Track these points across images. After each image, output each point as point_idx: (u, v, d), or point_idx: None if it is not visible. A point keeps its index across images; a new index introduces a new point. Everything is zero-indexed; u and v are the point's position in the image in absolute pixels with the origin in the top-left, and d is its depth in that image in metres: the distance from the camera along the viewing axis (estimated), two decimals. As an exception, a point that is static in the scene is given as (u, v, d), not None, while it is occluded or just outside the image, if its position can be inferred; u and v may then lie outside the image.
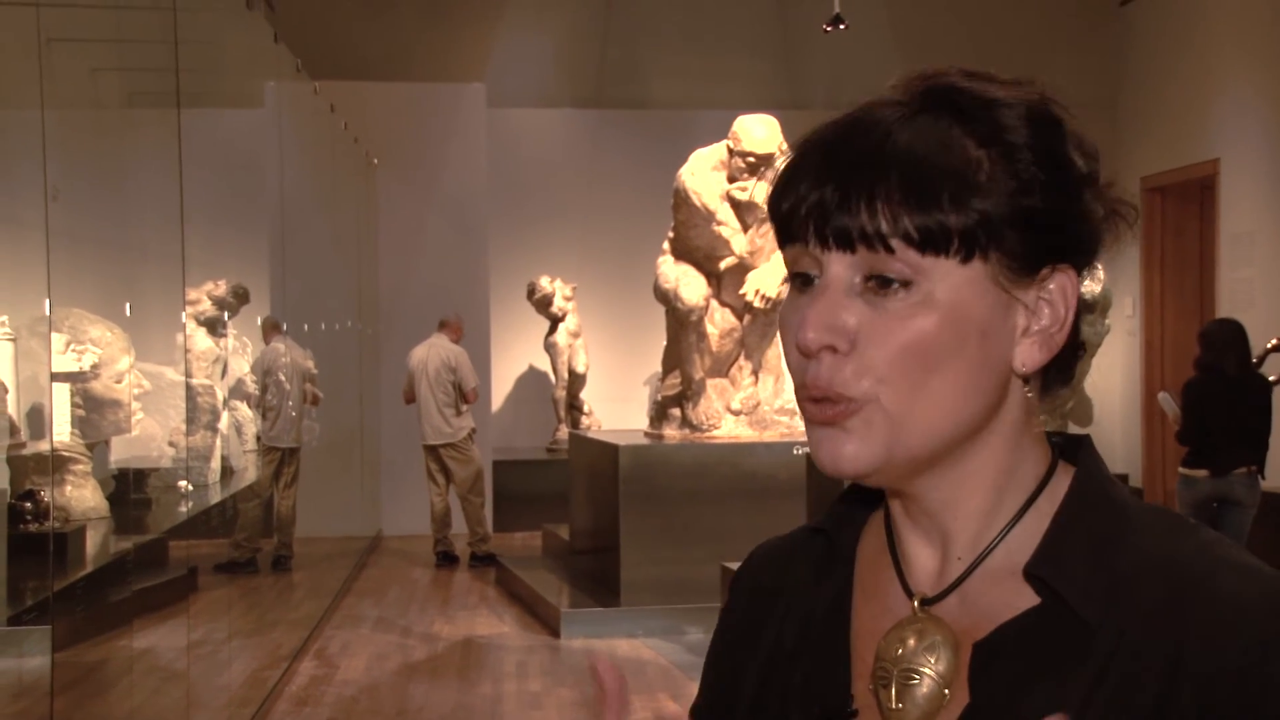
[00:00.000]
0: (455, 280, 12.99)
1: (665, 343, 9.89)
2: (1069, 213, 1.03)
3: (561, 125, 14.10)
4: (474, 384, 11.40)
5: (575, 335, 13.38)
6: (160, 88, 6.92)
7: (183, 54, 6.28)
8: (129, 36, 7.03)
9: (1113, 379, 12.81)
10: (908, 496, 1.09)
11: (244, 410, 10.12)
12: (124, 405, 6.82)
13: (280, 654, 8.16)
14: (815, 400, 1.03)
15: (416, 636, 8.91)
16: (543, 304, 13.27)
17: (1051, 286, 1.03)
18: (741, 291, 9.25)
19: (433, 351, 11.35)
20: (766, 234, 8.68)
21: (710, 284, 9.36)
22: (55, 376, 6.12)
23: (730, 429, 9.49)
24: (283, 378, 9.97)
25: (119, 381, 6.69)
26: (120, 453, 7.62)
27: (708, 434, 9.43)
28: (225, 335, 9.55)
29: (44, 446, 6.24)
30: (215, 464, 9.22)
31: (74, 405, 6.59)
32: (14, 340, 6.05)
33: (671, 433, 9.59)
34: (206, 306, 9.19)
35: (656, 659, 8.13)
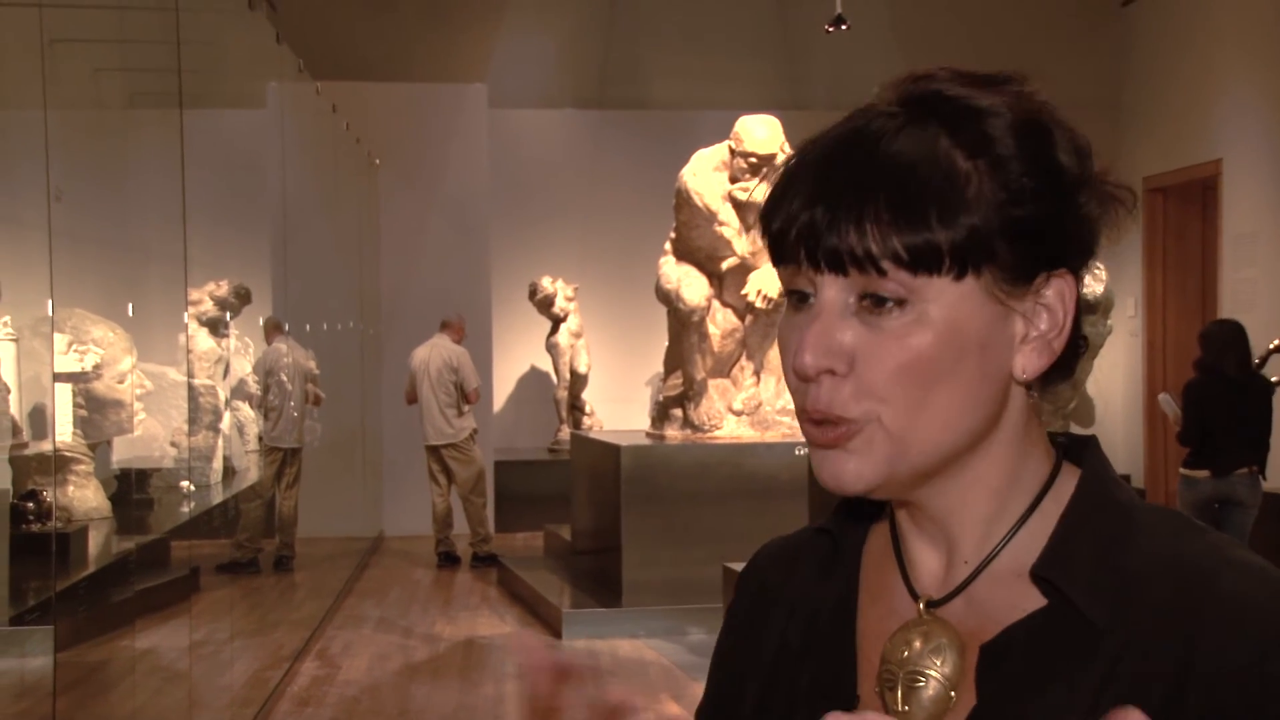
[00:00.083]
0: (457, 280, 12.99)
1: (667, 343, 9.89)
2: (1062, 219, 1.02)
3: (563, 126, 14.10)
4: (476, 384, 11.40)
5: (577, 336, 13.38)
6: (162, 88, 6.92)
7: (185, 54, 6.28)
8: (131, 37, 7.04)
9: (1115, 379, 12.81)
10: (912, 504, 1.08)
11: (246, 410, 10.13)
12: (126, 405, 6.82)
13: (282, 654, 8.16)
14: (816, 423, 1.03)
15: (418, 637, 8.91)
16: (544, 304, 13.27)
17: (1049, 293, 1.03)
18: (743, 292, 9.26)
19: (434, 352, 11.35)
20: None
21: (712, 284, 9.36)
22: (57, 377, 6.12)
23: (732, 429, 9.49)
24: (284, 378, 9.97)
25: (121, 382, 6.69)
26: (122, 453, 7.62)
27: (709, 434, 9.43)
28: (227, 335, 9.56)
29: (46, 447, 6.24)
30: (217, 464, 9.23)
31: (76, 405, 6.59)
32: (16, 340, 6.05)
33: (673, 433, 9.59)
34: (208, 307, 9.20)
35: (659, 659, 8.13)
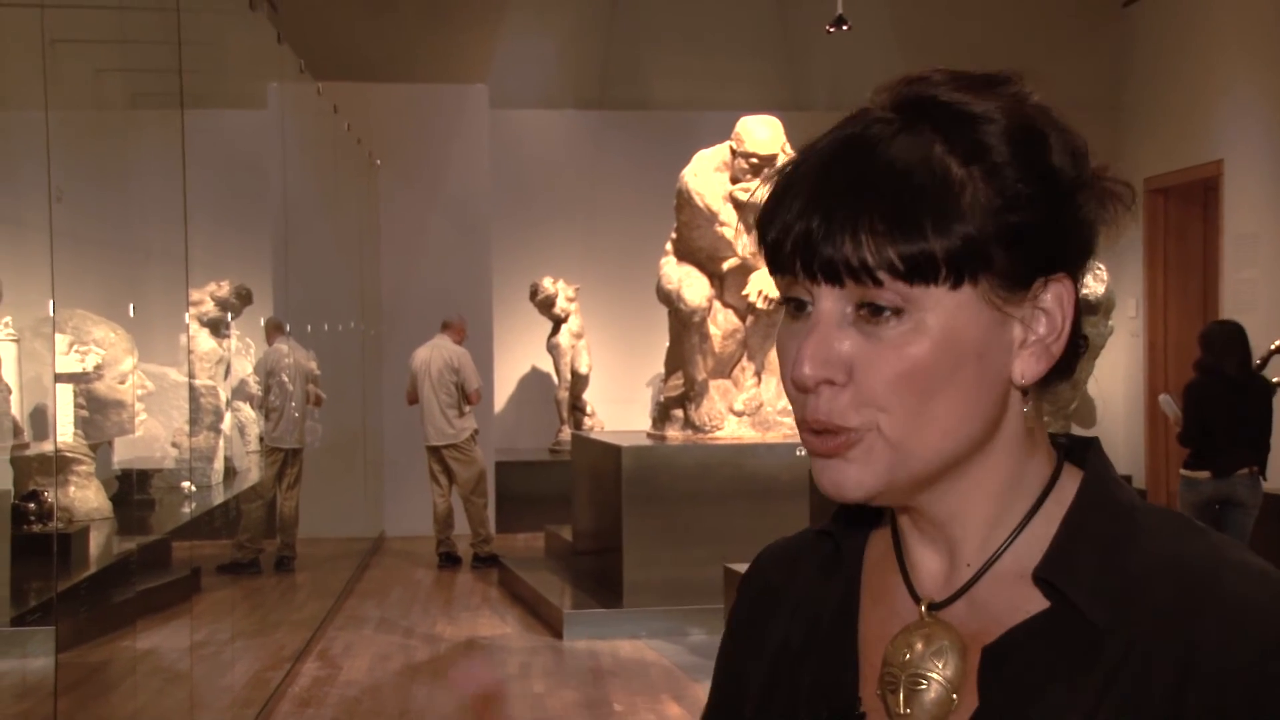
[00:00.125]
0: (458, 281, 12.99)
1: (668, 344, 9.89)
2: (1058, 224, 1.02)
3: (564, 126, 14.10)
4: (477, 385, 11.40)
5: (578, 336, 13.38)
6: (164, 89, 6.92)
7: (186, 55, 6.28)
8: (133, 37, 7.03)
9: (1116, 380, 12.81)
10: (913, 509, 1.08)
11: (247, 411, 10.13)
12: (127, 406, 6.82)
13: (283, 655, 8.17)
14: (816, 432, 1.03)
15: (419, 637, 8.91)
16: (545, 305, 13.27)
17: (1047, 298, 1.03)
18: (744, 292, 9.26)
19: (435, 352, 11.35)
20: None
21: (713, 285, 9.37)
22: (59, 377, 6.12)
23: (733, 430, 9.49)
24: (285, 378, 9.97)
25: (122, 382, 6.69)
26: (123, 453, 7.63)
27: (710, 435, 9.43)
28: (228, 336, 9.56)
29: (47, 447, 6.25)
30: (218, 465, 9.22)
31: (77, 406, 6.59)
32: (17, 341, 6.05)
33: (674, 434, 9.59)
34: (209, 307, 9.19)
35: (659, 660, 8.13)
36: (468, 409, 11.38)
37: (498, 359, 13.58)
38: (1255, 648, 0.96)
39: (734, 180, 9.08)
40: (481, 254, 13.28)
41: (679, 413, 9.65)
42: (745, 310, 9.42)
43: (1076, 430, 9.85)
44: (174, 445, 8.22)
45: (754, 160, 8.90)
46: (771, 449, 9.14)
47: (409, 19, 12.73)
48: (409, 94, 13.10)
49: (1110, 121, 12.71)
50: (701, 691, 7.32)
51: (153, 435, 7.85)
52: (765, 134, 8.98)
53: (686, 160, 9.36)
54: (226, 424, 9.52)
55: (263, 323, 10.21)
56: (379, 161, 12.98)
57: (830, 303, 1.01)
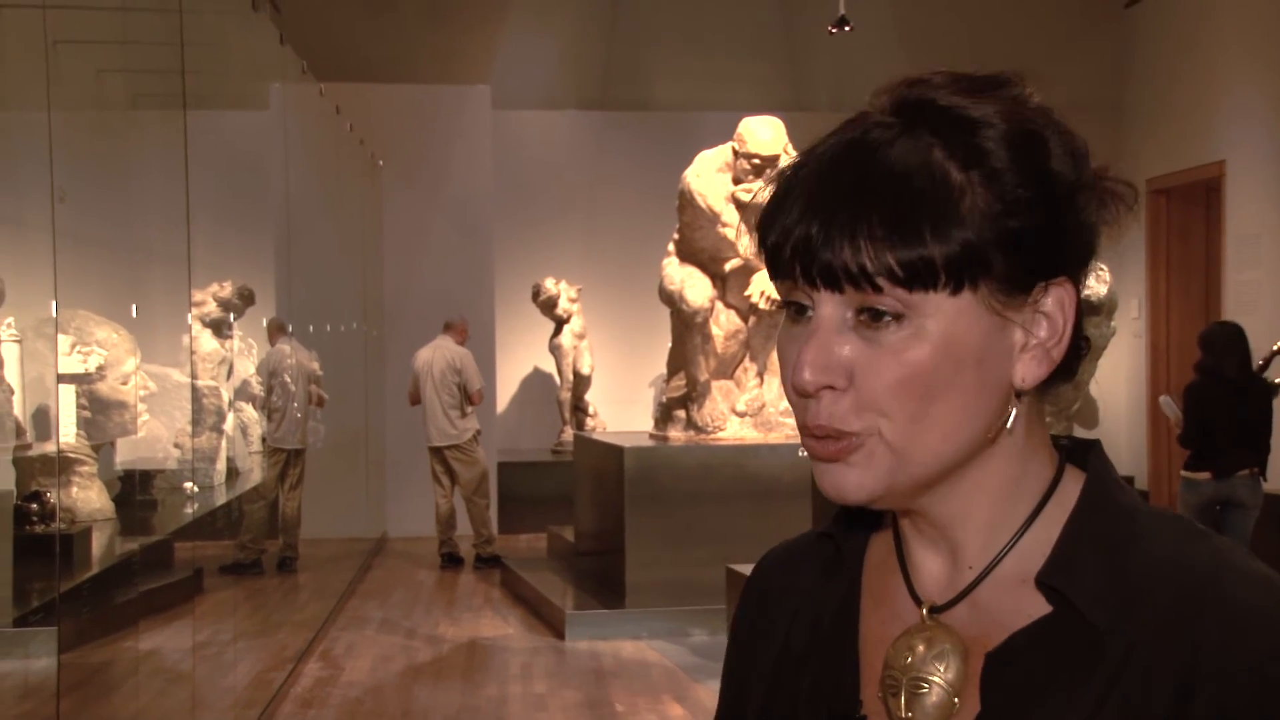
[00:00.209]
0: (460, 282, 13.00)
1: (670, 344, 9.89)
2: (1058, 228, 1.01)
3: (566, 127, 14.10)
4: (479, 386, 11.40)
5: (580, 337, 13.38)
6: (166, 89, 6.93)
7: (188, 56, 6.28)
8: (135, 38, 7.04)
9: (1118, 381, 12.80)
10: (914, 511, 1.08)
11: (249, 412, 10.13)
12: (129, 407, 6.82)
13: (285, 655, 8.17)
14: (817, 437, 1.03)
15: (421, 638, 8.91)
16: (547, 306, 13.27)
17: (1047, 301, 1.02)
18: (746, 293, 9.26)
19: (438, 353, 11.35)
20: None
21: (715, 285, 9.37)
22: (61, 378, 6.12)
23: (735, 431, 9.49)
24: (288, 379, 9.98)
25: (125, 383, 6.69)
26: (126, 454, 7.63)
27: (712, 436, 9.43)
28: (230, 337, 9.56)
29: (50, 448, 6.25)
30: (220, 465, 9.23)
31: (80, 407, 6.59)
32: (20, 342, 6.06)
33: (676, 434, 9.59)
34: (212, 308, 9.20)
35: (661, 661, 8.13)
36: (470, 410, 11.38)
37: (500, 360, 13.58)
38: (1257, 653, 0.96)
39: (736, 181, 9.08)
40: (484, 254, 13.29)
41: (681, 413, 9.65)
42: (747, 311, 9.42)
43: (1079, 431, 9.85)
44: (176, 446, 8.22)
45: (756, 161, 8.89)
46: (774, 450, 9.14)
47: (411, 20, 12.73)
48: (411, 95, 13.10)
49: (1112, 122, 12.70)
50: (703, 692, 7.32)
51: (155, 436, 7.86)
52: (767, 135, 8.98)
53: (689, 161, 9.36)
54: (229, 425, 9.52)
55: (265, 323, 10.22)
56: (381, 162, 12.99)
57: (830, 308, 1.01)
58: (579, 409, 13.62)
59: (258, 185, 10.20)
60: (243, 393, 10.02)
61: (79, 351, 6.39)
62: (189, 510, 8.03)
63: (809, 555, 1.21)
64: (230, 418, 9.58)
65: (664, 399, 10.01)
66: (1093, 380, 11.05)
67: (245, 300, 9.56)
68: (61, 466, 6.43)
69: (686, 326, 9.42)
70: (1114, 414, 12.93)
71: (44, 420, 6.22)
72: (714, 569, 7.66)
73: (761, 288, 9.12)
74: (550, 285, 13.22)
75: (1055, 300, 1.03)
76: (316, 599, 9.95)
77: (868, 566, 1.16)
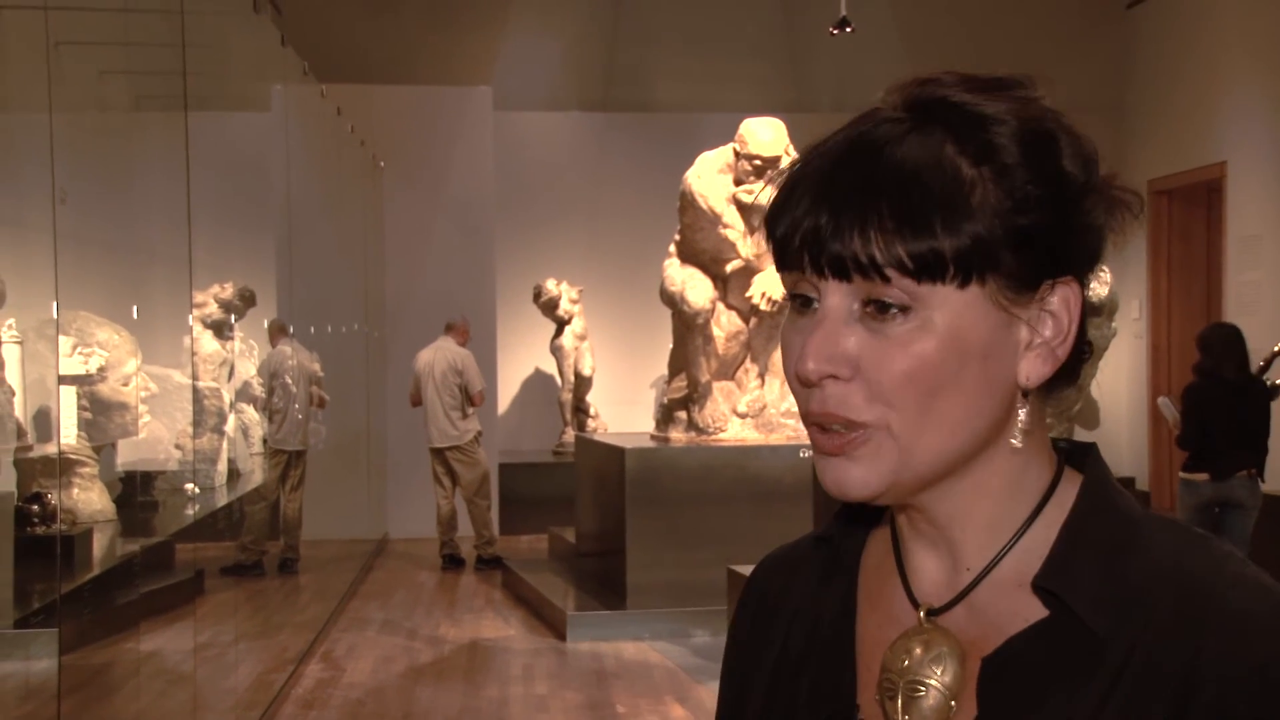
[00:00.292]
0: (461, 283, 13.00)
1: (671, 345, 9.89)
2: (1066, 227, 1.01)
3: (568, 128, 14.10)
4: (480, 387, 11.40)
5: (581, 338, 13.38)
6: (168, 91, 6.93)
7: (190, 57, 6.28)
8: (137, 40, 7.04)
9: (1119, 382, 12.80)
10: (914, 509, 1.08)
11: (250, 413, 10.13)
12: (131, 408, 6.82)
13: (286, 657, 8.17)
14: (823, 429, 1.03)
15: (422, 639, 8.91)
16: (549, 307, 13.27)
17: (1053, 300, 1.02)
18: (748, 294, 9.26)
19: (439, 354, 11.35)
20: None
21: (716, 287, 9.36)
22: (62, 379, 6.12)
23: (736, 432, 9.49)
24: (289, 380, 9.98)
25: (126, 384, 6.69)
26: (127, 455, 7.62)
27: (714, 437, 9.43)
28: (232, 338, 9.55)
29: (51, 449, 6.25)
30: (222, 467, 9.22)
31: (81, 408, 6.59)
32: (21, 343, 6.05)
33: (677, 436, 9.59)
34: (213, 309, 9.19)
35: (663, 662, 8.13)
36: (471, 411, 11.38)
37: (501, 361, 13.58)
38: (1257, 658, 0.96)
39: (737, 182, 9.08)
40: (485, 256, 13.28)
41: (682, 414, 9.65)
42: (749, 312, 9.42)
43: (1080, 432, 9.85)
44: (177, 447, 8.22)
45: (757, 162, 8.90)
46: (775, 451, 9.14)
47: (413, 21, 12.73)
48: (413, 96, 13.10)
49: (1114, 123, 12.70)
50: (705, 693, 7.32)
51: (156, 437, 7.85)
52: (768, 136, 8.98)
53: (690, 162, 9.37)
54: (230, 426, 9.51)
55: (266, 324, 10.22)
56: (383, 163, 12.99)
57: (837, 299, 1.01)
58: (580, 410, 13.62)
59: (259, 187, 10.20)
60: (244, 394, 10.02)
61: (80, 353, 6.39)
62: (190, 512, 8.03)
63: (806, 559, 1.21)
64: (231, 419, 9.58)
65: (665, 400, 10.01)
66: (1094, 381, 11.05)
67: (246, 301, 9.56)
68: (62, 468, 6.42)
69: (688, 328, 9.42)
70: (1115, 415, 12.93)
71: (45, 421, 6.22)
72: (715, 570, 7.66)
73: (763, 289, 9.12)
74: (551, 286, 13.22)
75: (1061, 299, 1.03)
76: (318, 600, 9.95)
77: (865, 569, 1.16)
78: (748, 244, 9.08)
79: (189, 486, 7.98)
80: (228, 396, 9.45)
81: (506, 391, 14.13)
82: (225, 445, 9.33)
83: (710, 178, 9.17)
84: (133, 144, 7.54)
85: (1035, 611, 1.03)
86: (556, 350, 13.45)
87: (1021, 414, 1.05)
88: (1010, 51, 11.92)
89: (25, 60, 5.29)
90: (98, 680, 6.18)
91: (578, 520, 10.58)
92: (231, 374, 9.67)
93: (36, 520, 5.92)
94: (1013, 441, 1.05)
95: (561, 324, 13.35)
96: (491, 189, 13.36)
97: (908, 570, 1.11)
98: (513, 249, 13.67)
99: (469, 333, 11.61)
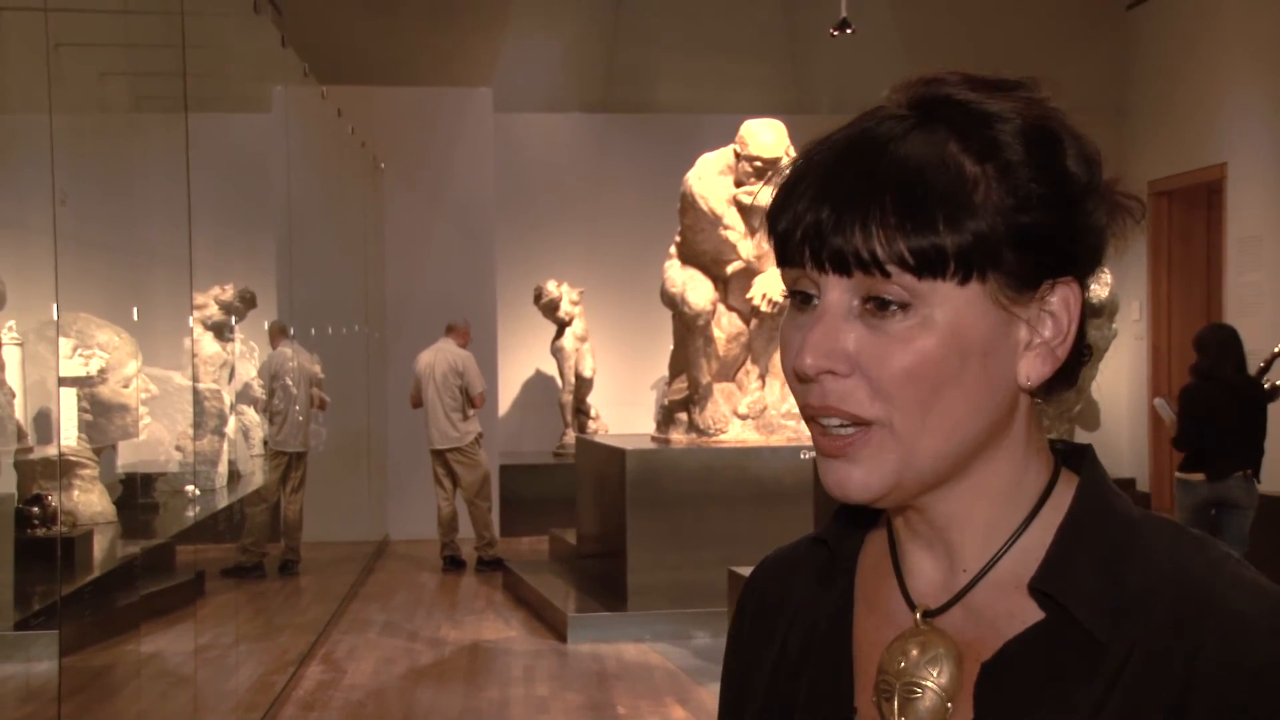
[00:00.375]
0: (462, 284, 13.00)
1: (672, 347, 9.89)
2: (1068, 227, 1.01)
3: (568, 130, 14.11)
4: (481, 388, 11.40)
5: (582, 339, 13.38)
6: (168, 92, 6.93)
7: (191, 58, 6.28)
8: (137, 41, 7.04)
9: (1119, 383, 12.80)
10: (912, 510, 1.08)
11: (251, 415, 10.13)
12: (131, 410, 6.82)
13: (287, 659, 8.17)
14: (824, 430, 1.02)
15: (423, 641, 8.91)
16: (549, 308, 13.27)
17: (1054, 300, 1.02)
18: (748, 295, 9.26)
19: (439, 356, 11.35)
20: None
21: (717, 288, 9.37)
22: (62, 381, 6.12)
23: (737, 433, 9.48)
24: (289, 382, 9.98)
25: (126, 386, 6.69)
26: (127, 457, 7.62)
27: (714, 438, 9.43)
28: (232, 339, 9.56)
29: (51, 451, 6.25)
30: (222, 469, 9.22)
31: (81, 410, 6.59)
32: (21, 345, 6.05)
33: (678, 437, 9.59)
34: (213, 311, 9.20)
35: (664, 664, 8.13)
36: (472, 412, 11.38)
37: (502, 362, 13.58)
38: (1255, 660, 0.96)
39: (738, 184, 9.09)
40: (485, 257, 13.28)
41: (683, 416, 9.65)
42: (749, 313, 9.42)
43: (1080, 433, 9.85)
44: (178, 449, 8.22)
45: (758, 164, 8.90)
46: (776, 452, 9.14)
47: (413, 22, 12.73)
48: (413, 97, 13.10)
49: (1114, 125, 12.70)
50: (705, 694, 7.32)
51: (156, 439, 7.85)
52: (769, 137, 8.98)
53: (691, 164, 9.37)
54: (230, 428, 9.51)
55: (267, 326, 10.22)
56: (383, 165, 12.99)
57: (837, 294, 1.01)
58: (581, 411, 13.62)
59: (259, 188, 10.21)
60: (244, 396, 10.02)
61: (80, 354, 6.39)
62: (190, 513, 8.03)
63: (804, 562, 1.21)
64: (232, 421, 9.58)
65: (666, 401, 10.00)
66: (1094, 382, 11.05)
67: (247, 303, 9.56)
68: (63, 470, 6.42)
69: (688, 329, 9.42)
70: (1115, 416, 12.93)
71: (45, 423, 6.22)
72: (716, 571, 7.67)
73: (763, 290, 9.12)
74: (552, 288, 13.22)
75: (1061, 299, 1.03)
76: (318, 602, 9.95)
77: (862, 571, 1.16)
78: (748, 245, 9.09)
79: (189, 488, 7.98)
80: (228, 398, 9.45)
81: (507, 393, 14.13)
82: (226, 447, 9.33)
83: (711, 179, 9.17)
84: (133, 145, 7.54)
85: (1032, 613, 1.03)
86: (557, 352, 13.44)
87: (1019, 415, 1.05)
88: (1010, 53, 11.93)
89: (25, 61, 5.29)
90: (98, 682, 6.18)
91: (578, 522, 10.58)
92: (232, 376, 9.67)
93: (37, 522, 5.92)
94: (1011, 444, 1.05)
95: (562, 325, 13.35)
96: (492, 190, 13.36)
97: (904, 571, 1.11)
98: (513, 250, 13.67)
99: (470, 334, 11.62)
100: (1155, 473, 12.54)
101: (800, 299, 1.04)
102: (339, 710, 7.31)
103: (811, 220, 1.00)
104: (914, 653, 1.06)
